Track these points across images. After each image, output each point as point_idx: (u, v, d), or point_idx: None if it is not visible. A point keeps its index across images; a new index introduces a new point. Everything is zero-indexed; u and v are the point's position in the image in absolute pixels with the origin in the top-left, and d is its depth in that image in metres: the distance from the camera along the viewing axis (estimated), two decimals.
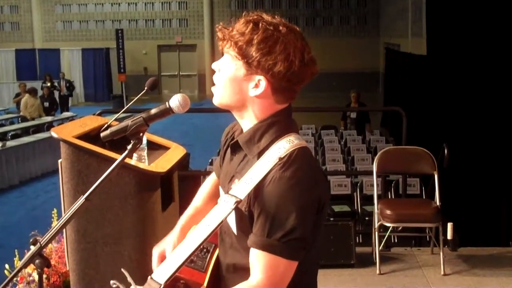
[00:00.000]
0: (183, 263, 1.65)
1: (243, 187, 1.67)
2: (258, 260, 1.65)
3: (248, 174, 1.68)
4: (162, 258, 1.89)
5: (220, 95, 1.77)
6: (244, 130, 1.79)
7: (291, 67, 1.68)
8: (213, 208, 1.72)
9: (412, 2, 17.87)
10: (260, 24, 1.69)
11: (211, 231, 1.65)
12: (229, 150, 1.87)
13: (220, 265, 1.84)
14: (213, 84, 1.80)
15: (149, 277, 1.66)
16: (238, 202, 1.65)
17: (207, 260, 1.83)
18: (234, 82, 1.73)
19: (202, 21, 27.66)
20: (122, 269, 1.63)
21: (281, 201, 1.63)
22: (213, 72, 1.81)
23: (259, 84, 1.70)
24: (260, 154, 1.72)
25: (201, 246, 1.76)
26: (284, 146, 1.69)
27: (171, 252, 1.84)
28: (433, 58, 9.31)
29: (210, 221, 1.68)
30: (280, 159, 1.66)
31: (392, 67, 17.49)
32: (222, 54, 1.78)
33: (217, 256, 1.85)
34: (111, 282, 1.60)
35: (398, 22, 21.19)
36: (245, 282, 1.67)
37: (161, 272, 1.66)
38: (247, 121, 1.77)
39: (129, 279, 1.60)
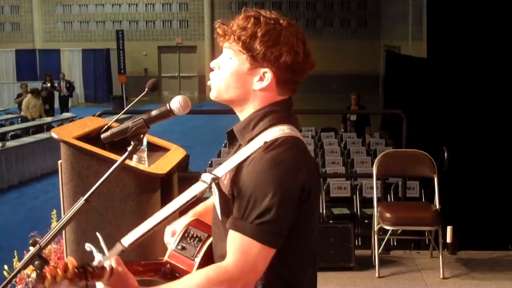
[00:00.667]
0: (149, 231, 1.67)
1: (222, 167, 1.68)
2: (232, 242, 1.63)
3: (232, 156, 1.69)
4: (173, 235, 1.93)
5: (222, 90, 1.77)
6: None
7: (296, 57, 1.70)
8: (192, 186, 1.73)
9: (413, 5, 17.90)
10: (261, 18, 1.70)
11: (183, 204, 1.68)
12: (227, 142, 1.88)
13: (214, 256, 1.83)
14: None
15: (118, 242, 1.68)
16: (214, 179, 1.66)
17: (198, 248, 1.82)
18: (238, 77, 1.73)
19: (202, 23, 27.68)
20: (97, 233, 1.63)
21: (258, 182, 1.61)
22: (211, 70, 1.81)
23: (264, 77, 1.71)
24: (250, 141, 1.71)
25: (195, 234, 1.83)
26: (274, 133, 1.69)
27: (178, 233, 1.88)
28: (433, 61, 9.33)
29: (185, 195, 1.70)
30: (265, 142, 1.65)
31: (392, 69, 17.50)
32: (221, 52, 1.79)
33: (209, 246, 1.84)
34: (86, 244, 1.60)
35: (398, 25, 21.22)
36: (217, 264, 1.65)
37: (129, 237, 1.68)
38: (246, 114, 1.78)
39: (102, 243, 1.60)
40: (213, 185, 1.69)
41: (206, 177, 1.69)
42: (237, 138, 1.78)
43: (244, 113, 1.78)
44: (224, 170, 1.67)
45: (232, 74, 1.74)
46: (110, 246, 1.63)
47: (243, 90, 1.74)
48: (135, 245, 1.67)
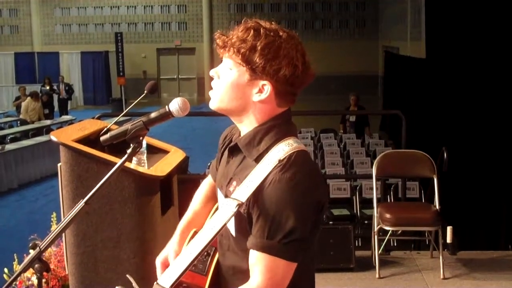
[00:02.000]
0: (188, 267, 1.64)
1: (244, 190, 1.68)
2: (258, 262, 1.65)
3: (248, 177, 1.69)
4: (166, 266, 1.88)
5: (220, 100, 1.78)
6: (243, 133, 1.80)
7: (295, 71, 1.71)
8: (216, 212, 1.72)
9: (411, 5, 17.90)
10: (261, 30, 1.71)
11: (214, 235, 1.65)
12: (226, 152, 1.88)
13: (219, 268, 1.84)
14: (211, 89, 1.80)
15: (155, 283, 1.64)
16: (240, 205, 1.66)
17: (208, 263, 1.83)
18: (237, 88, 1.74)
19: (201, 25, 27.68)
20: (127, 275, 1.62)
21: (280, 203, 1.63)
22: (211, 78, 1.81)
23: (263, 89, 1.72)
24: (259, 157, 1.73)
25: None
26: (284, 149, 1.70)
27: (174, 259, 1.84)
28: (432, 62, 9.33)
29: (213, 225, 1.68)
30: (280, 161, 1.67)
31: (391, 70, 17.51)
32: (221, 60, 1.79)
33: (217, 260, 1.85)
34: None
35: (397, 25, 21.22)
36: (245, 285, 1.67)
37: (166, 277, 1.65)
38: (246, 124, 1.79)
39: (134, 284, 1.59)
40: (227, 200, 1.69)
41: (230, 203, 1.67)
42: (240, 150, 1.79)
43: (244, 124, 1.79)
44: (246, 193, 1.67)
45: (232, 85, 1.75)
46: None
47: (242, 102, 1.75)
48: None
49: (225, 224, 1.66)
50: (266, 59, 1.68)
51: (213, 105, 1.80)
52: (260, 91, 1.72)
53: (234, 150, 1.83)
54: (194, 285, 1.79)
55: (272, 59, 1.68)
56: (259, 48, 1.68)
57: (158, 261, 1.94)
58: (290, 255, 1.64)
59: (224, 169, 1.87)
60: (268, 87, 1.71)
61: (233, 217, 1.71)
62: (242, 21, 1.76)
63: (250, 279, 1.67)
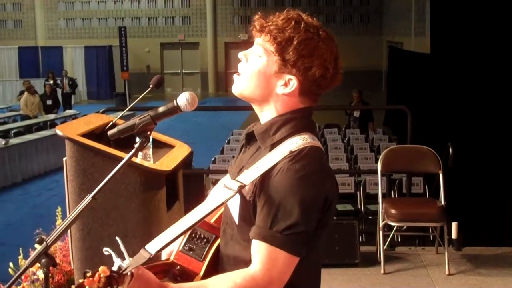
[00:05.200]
0: (177, 237, 1.64)
1: (249, 174, 1.66)
2: (259, 251, 1.63)
3: (257, 163, 1.67)
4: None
5: (243, 87, 1.76)
6: (262, 122, 1.78)
7: (325, 73, 1.69)
8: (216, 191, 1.71)
9: (416, 0, 17.85)
10: (302, 24, 1.68)
11: (210, 211, 1.64)
12: (244, 142, 1.86)
13: (221, 257, 1.82)
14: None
15: (142, 248, 1.64)
16: (241, 187, 1.64)
17: (206, 250, 1.81)
18: (263, 76, 1.72)
19: (205, 19, 27.66)
20: (116, 237, 1.61)
21: (287, 193, 1.61)
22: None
23: (288, 83, 1.70)
24: (273, 146, 1.71)
25: (202, 235, 1.80)
26: (297, 142, 1.68)
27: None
28: (436, 57, 9.30)
29: (210, 202, 1.67)
30: (291, 152, 1.65)
31: (395, 65, 17.47)
32: (251, 44, 1.76)
33: (217, 248, 1.83)
34: (104, 249, 1.59)
35: (401, 20, 21.18)
36: (244, 270, 1.64)
37: (154, 244, 1.65)
38: (266, 114, 1.77)
39: (122, 248, 1.58)
40: (230, 182, 1.68)
41: (232, 184, 1.67)
42: (256, 140, 1.77)
43: (263, 113, 1.77)
44: (250, 177, 1.65)
45: (259, 72, 1.72)
46: (115, 245, 1.61)
47: (266, 91, 1.73)
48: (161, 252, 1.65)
49: (223, 203, 1.65)
50: (299, 55, 1.66)
51: (236, 90, 1.77)
52: (286, 84, 1.70)
53: (250, 138, 1.81)
54: (189, 270, 1.77)
55: (305, 56, 1.66)
56: (295, 42, 1.66)
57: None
58: (291, 248, 1.61)
59: (239, 158, 1.85)
60: (294, 82, 1.69)
61: (237, 204, 1.71)
62: (285, 11, 1.73)
63: (250, 266, 1.64)
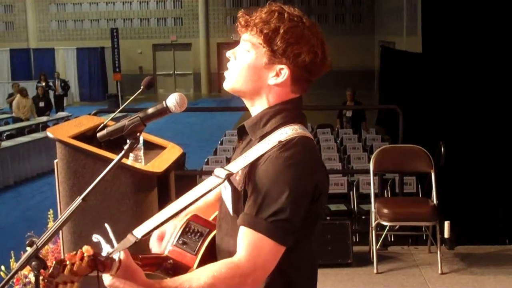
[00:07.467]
0: (162, 223, 1.66)
1: (237, 163, 1.67)
2: (244, 238, 1.62)
3: (245, 153, 1.68)
4: (160, 238, 1.90)
5: (234, 81, 1.77)
6: (253, 115, 1.79)
7: (314, 57, 1.71)
8: (205, 181, 1.71)
9: (407, 0, 17.88)
10: (285, 15, 1.71)
11: (197, 198, 1.65)
12: (237, 139, 1.88)
13: (217, 252, 1.81)
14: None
15: (130, 233, 1.66)
16: (229, 175, 1.65)
17: (200, 243, 1.81)
18: (253, 70, 1.74)
19: (197, 20, 27.63)
20: (106, 224, 1.62)
21: (274, 180, 1.61)
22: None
23: (280, 73, 1.72)
24: (262, 137, 1.72)
25: (196, 229, 1.81)
26: (287, 132, 1.69)
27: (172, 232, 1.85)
28: (428, 56, 9.33)
29: (198, 190, 1.68)
30: (280, 141, 1.66)
31: (388, 65, 17.51)
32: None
33: (210, 242, 1.82)
34: (93, 236, 1.59)
35: (393, 20, 21.22)
36: (229, 258, 1.63)
37: (141, 228, 1.66)
38: (257, 107, 1.78)
39: (111, 234, 1.58)
40: (225, 181, 1.69)
41: (220, 172, 1.68)
42: (247, 133, 1.78)
43: (255, 106, 1.78)
44: (238, 166, 1.67)
45: (249, 66, 1.74)
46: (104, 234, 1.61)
47: (257, 84, 1.75)
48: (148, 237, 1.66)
49: (210, 190, 1.65)
50: (287, 43, 1.68)
51: (228, 86, 1.79)
52: (277, 74, 1.72)
53: (242, 133, 1.82)
54: (181, 264, 1.77)
55: (293, 44, 1.69)
56: (281, 31, 1.68)
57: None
58: (276, 235, 1.60)
59: (234, 156, 1.86)
60: (285, 71, 1.71)
61: (230, 194, 1.71)
62: (267, 4, 1.76)
63: (235, 255, 1.63)
